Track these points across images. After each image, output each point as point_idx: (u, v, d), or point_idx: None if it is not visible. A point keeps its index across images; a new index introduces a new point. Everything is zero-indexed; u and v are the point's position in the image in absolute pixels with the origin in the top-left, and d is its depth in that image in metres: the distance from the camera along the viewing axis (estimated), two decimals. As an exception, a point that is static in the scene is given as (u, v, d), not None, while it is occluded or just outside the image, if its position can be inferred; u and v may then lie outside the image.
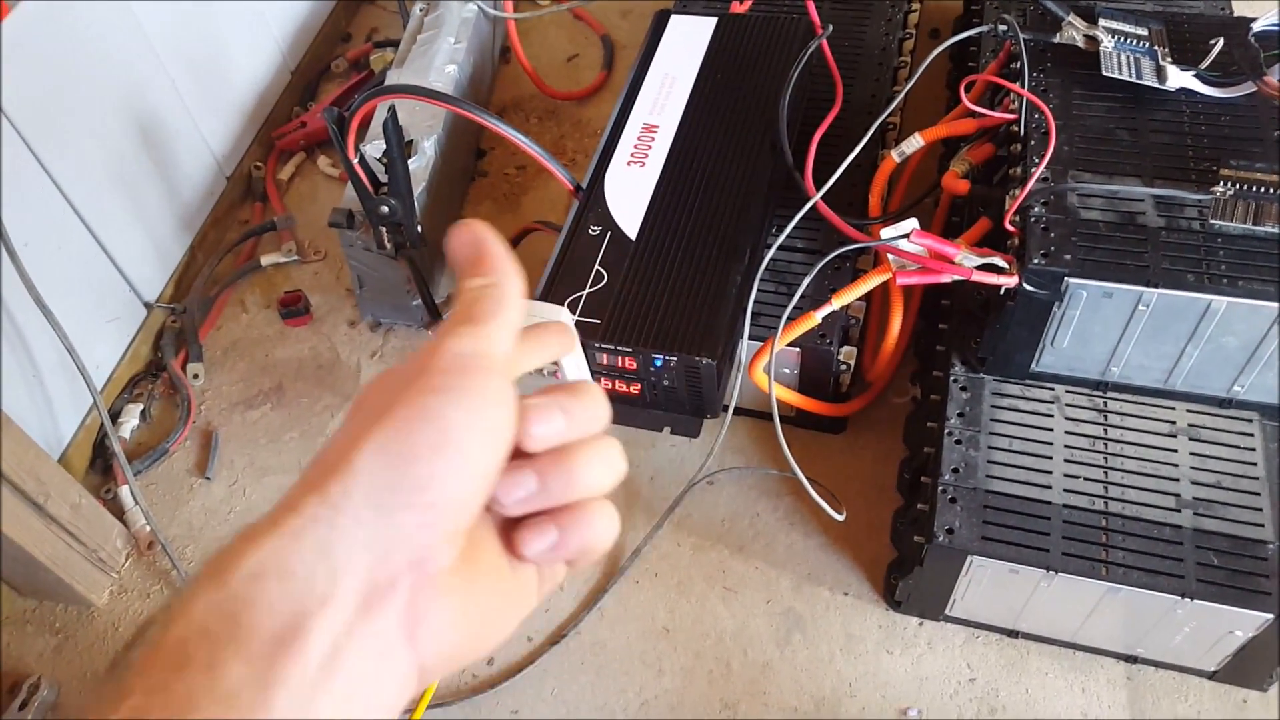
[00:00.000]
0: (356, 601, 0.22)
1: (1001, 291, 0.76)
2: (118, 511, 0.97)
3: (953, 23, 1.25)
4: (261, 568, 0.22)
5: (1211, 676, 0.80)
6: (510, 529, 0.27)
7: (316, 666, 0.21)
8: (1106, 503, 0.76)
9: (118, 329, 1.07)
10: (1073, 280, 0.73)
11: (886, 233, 0.76)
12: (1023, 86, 0.83)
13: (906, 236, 0.76)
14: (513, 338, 0.28)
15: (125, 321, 1.09)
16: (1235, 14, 0.96)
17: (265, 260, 1.18)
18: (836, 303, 0.81)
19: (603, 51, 1.36)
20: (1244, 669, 0.78)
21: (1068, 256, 0.73)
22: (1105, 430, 0.80)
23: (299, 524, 0.23)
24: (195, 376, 1.09)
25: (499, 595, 0.27)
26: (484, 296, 0.27)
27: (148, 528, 0.96)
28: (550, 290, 0.86)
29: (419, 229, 0.97)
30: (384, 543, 0.23)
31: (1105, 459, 0.78)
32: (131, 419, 1.05)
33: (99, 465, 1.03)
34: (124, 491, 0.98)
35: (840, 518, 0.85)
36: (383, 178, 0.94)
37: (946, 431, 0.80)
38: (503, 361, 0.27)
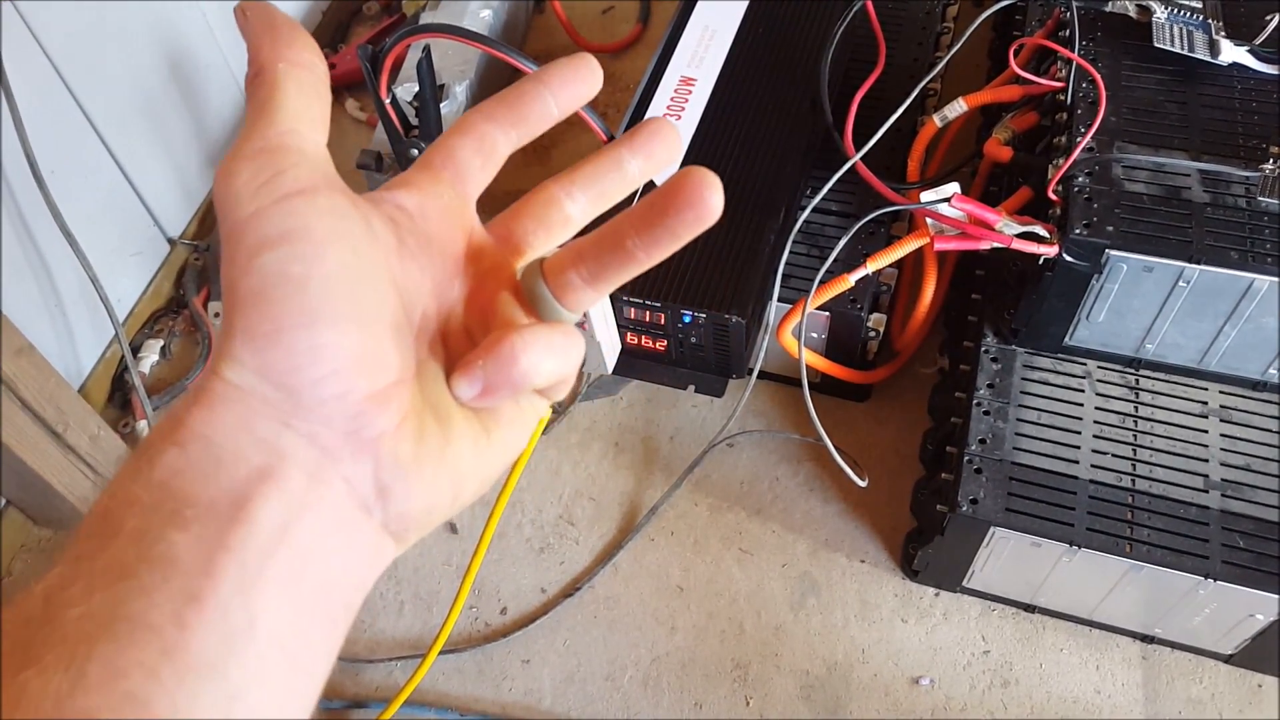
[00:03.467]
0: (302, 476, 0.21)
1: (1040, 262, 0.75)
2: (135, 445, 0.97)
3: (996, -9, 1.23)
4: (184, 438, 0.21)
5: (1228, 660, 0.80)
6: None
7: (267, 536, 0.20)
8: (1134, 480, 0.75)
9: (140, 263, 1.07)
10: (1114, 253, 0.72)
11: (927, 196, 0.75)
12: (1073, 53, 0.82)
13: (947, 201, 0.75)
14: (314, 124, 0.24)
15: (148, 256, 1.08)
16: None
17: (289, 202, 1.16)
18: (871, 266, 0.80)
19: (639, 4, 1.34)
20: (1262, 653, 0.77)
21: (1110, 228, 0.72)
22: (1136, 408, 0.79)
23: (210, 398, 0.21)
24: (217, 315, 1.08)
25: (468, 442, 0.24)
26: (258, 89, 0.23)
27: (165, 463, 0.96)
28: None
29: (448, 175, 0.95)
30: (308, 418, 0.21)
31: (1134, 436, 0.77)
32: (151, 354, 1.05)
33: (117, 399, 1.03)
34: (141, 426, 0.98)
35: (863, 483, 0.84)
36: (414, 120, 0.93)
37: (975, 402, 0.79)
38: (316, 167, 0.23)
